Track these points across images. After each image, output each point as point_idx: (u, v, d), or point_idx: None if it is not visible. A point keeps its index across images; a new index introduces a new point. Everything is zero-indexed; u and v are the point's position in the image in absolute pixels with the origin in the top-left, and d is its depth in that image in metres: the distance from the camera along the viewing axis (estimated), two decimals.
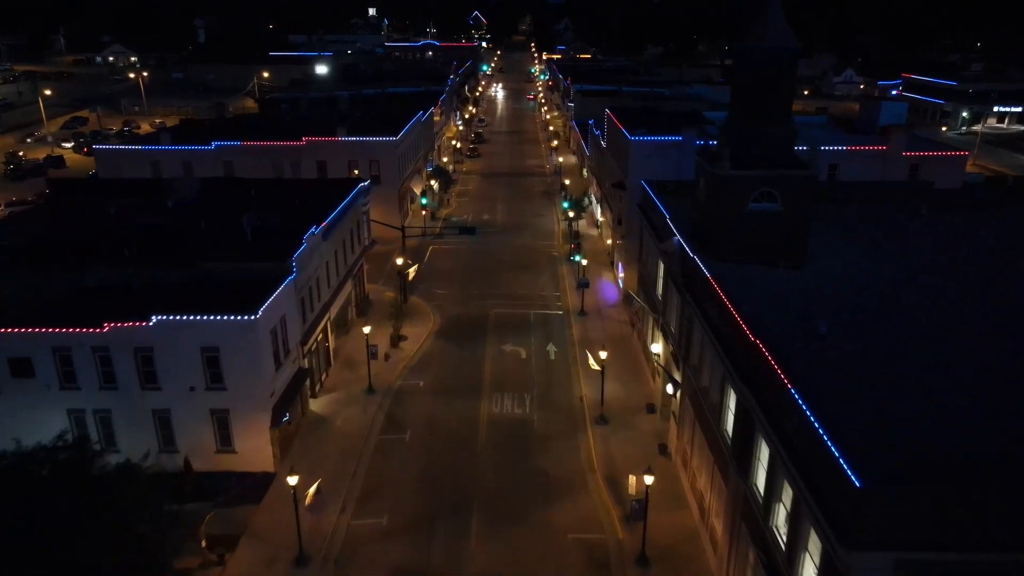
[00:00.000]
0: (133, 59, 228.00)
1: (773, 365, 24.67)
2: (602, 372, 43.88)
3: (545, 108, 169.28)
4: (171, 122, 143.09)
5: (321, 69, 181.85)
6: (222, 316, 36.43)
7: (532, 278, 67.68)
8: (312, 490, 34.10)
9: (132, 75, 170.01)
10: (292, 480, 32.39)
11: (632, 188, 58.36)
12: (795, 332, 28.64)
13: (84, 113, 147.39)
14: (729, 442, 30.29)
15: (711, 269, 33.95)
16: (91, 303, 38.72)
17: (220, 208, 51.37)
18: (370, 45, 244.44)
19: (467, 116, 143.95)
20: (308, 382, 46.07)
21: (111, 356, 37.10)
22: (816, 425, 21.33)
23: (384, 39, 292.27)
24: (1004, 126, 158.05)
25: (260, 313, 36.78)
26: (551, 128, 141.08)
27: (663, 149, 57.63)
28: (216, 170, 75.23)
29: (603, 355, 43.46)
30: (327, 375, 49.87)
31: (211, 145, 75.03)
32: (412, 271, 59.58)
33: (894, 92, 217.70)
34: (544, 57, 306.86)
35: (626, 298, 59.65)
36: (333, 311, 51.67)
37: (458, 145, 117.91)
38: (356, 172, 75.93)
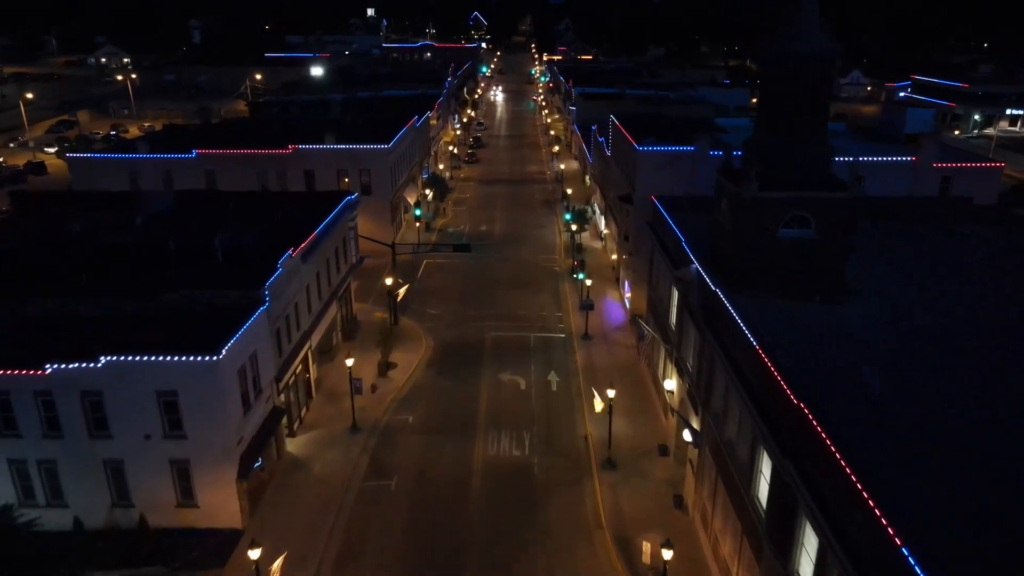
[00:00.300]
0: (126, 60, 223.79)
1: (828, 444, 20.30)
2: (609, 411, 39.50)
3: (546, 111, 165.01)
4: (160, 125, 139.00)
5: (316, 71, 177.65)
6: (180, 356, 32.08)
7: (532, 296, 63.31)
8: (277, 565, 29.72)
9: (120, 77, 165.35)
10: (254, 554, 28.04)
11: (640, 202, 54.01)
12: (841, 387, 24.30)
13: (71, 116, 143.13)
14: (763, 514, 25.93)
15: (737, 307, 29.59)
16: (34, 339, 34.36)
17: (194, 225, 47.05)
18: (368, 46, 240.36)
19: (465, 120, 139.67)
20: (286, 420, 41.77)
21: (55, 400, 32.77)
22: (892, 532, 16.97)
23: (383, 40, 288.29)
24: (1018, 129, 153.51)
25: (224, 353, 32.43)
26: (552, 132, 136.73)
27: (674, 160, 53.25)
28: (197, 180, 70.95)
29: (611, 394, 39.08)
30: (307, 409, 45.50)
31: (192, 153, 70.69)
32: (402, 292, 55.19)
33: (902, 94, 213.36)
34: (544, 58, 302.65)
35: (633, 322, 55.27)
36: (315, 338, 47.33)
37: (455, 151, 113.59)
38: (347, 181, 71.67)
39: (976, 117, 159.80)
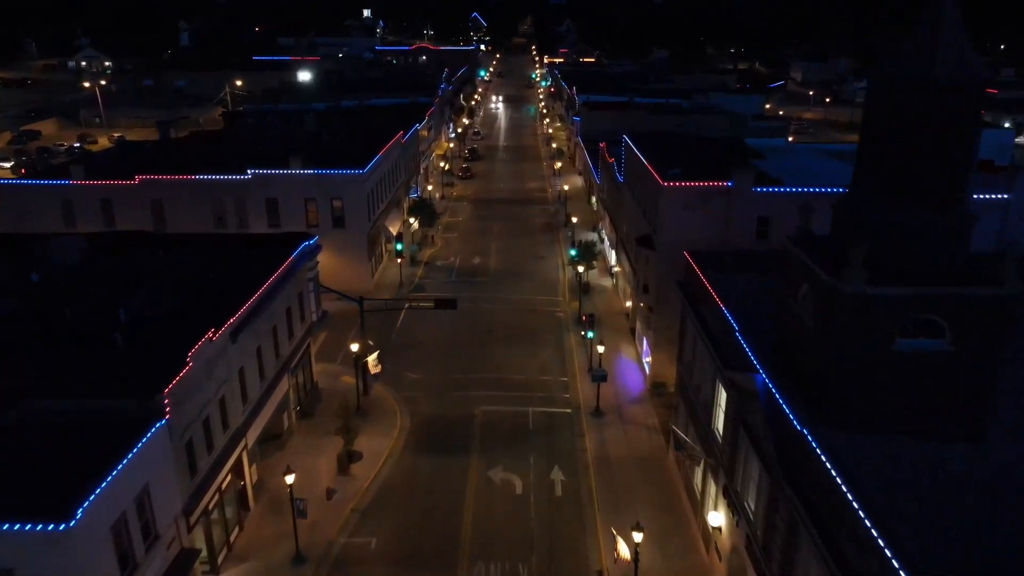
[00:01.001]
0: (107, 64, 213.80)
1: None
2: (635, 560, 29.23)
3: (547, 120, 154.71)
4: (133, 135, 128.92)
5: (304, 76, 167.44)
6: (14, 524, 21.89)
7: (532, 353, 53.06)
8: None
9: (87, 84, 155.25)
10: None
11: (665, 249, 43.85)
12: None
13: (37, 126, 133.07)
14: None
15: (839, 462, 19.40)
16: None
17: (103, 284, 36.95)
18: (361, 49, 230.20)
19: (460, 130, 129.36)
20: (205, 553, 31.62)
21: None
22: None
23: (379, 42, 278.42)
24: None
25: (80, 516, 22.24)
26: (554, 145, 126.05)
27: (707, 198, 43.04)
28: (141, 212, 60.81)
29: (638, 537, 28.79)
30: (240, 529, 35.28)
31: (134, 179, 60.52)
32: (373, 361, 44.92)
33: None
34: (545, 60, 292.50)
35: (670, 436, 45.08)
36: (254, 433, 37.15)
37: (446, 167, 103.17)
38: (315, 211, 61.49)
39: (1007, 125, 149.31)
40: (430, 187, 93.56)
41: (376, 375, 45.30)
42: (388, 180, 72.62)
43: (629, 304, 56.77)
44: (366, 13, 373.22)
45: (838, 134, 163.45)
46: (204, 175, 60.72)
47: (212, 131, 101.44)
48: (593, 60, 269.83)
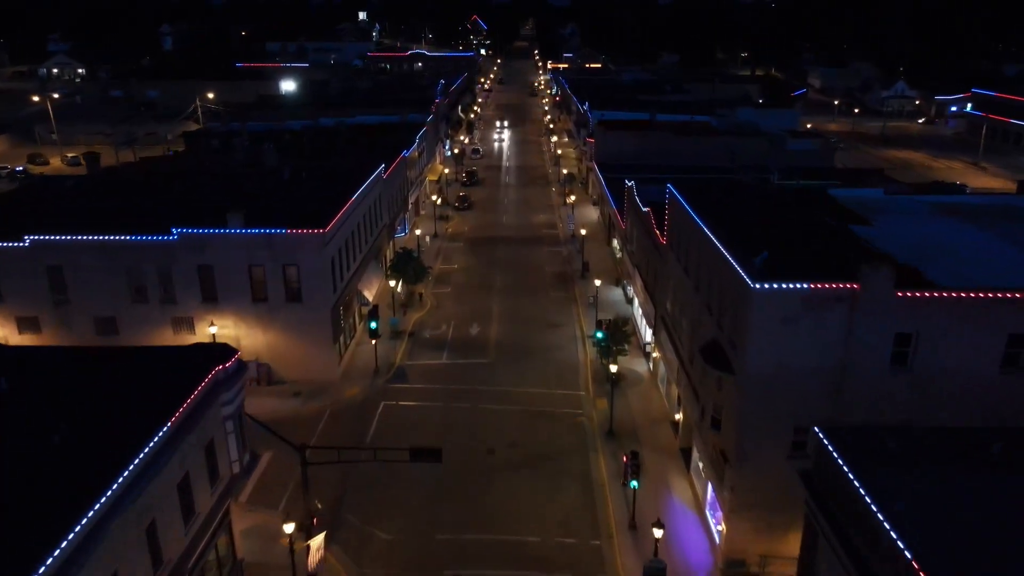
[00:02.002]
0: (80, 71, 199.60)
1: None
2: None
3: (554, 136, 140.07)
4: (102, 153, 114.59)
5: (287, 86, 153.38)
6: None
7: (549, 494, 38.50)
8: None
9: (36, 97, 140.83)
10: None
11: (752, 376, 29.40)
12: None
13: None
14: None
15: None
16: None
17: None
18: (354, 54, 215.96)
19: (457, 151, 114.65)
20: None
21: None
22: None
23: (375, 46, 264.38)
24: None
25: None
26: (564, 170, 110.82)
27: (820, 307, 28.54)
28: (35, 283, 46.51)
29: None
30: None
31: (24, 241, 46.14)
32: (317, 545, 30.26)
33: (954, 108, 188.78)
34: (549, 66, 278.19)
35: None
36: None
37: (439, 201, 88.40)
38: (263, 282, 47.10)
39: None
40: (418, 231, 78.89)
41: (318, 568, 30.77)
42: (363, 231, 58.20)
43: (679, 418, 42.27)
44: (362, 16, 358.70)
45: (870, 148, 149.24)
46: (116, 235, 46.34)
47: (152, 162, 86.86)
48: (599, 66, 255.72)
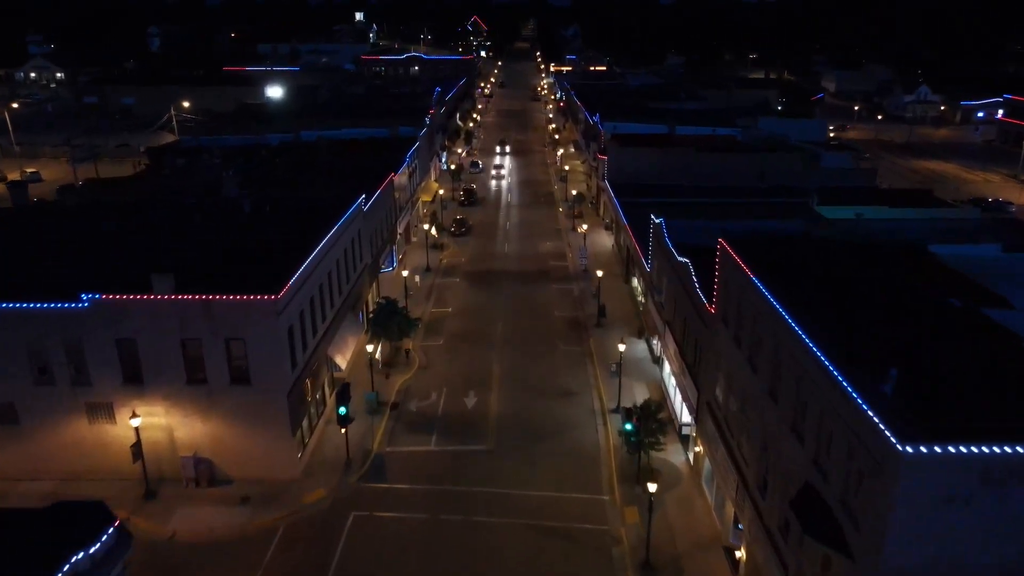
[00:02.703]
0: (59, 75, 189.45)
1: None
2: None
3: (561, 149, 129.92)
4: (50, 173, 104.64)
5: (273, 92, 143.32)
6: None
7: None
8: None
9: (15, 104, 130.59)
10: None
11: (894, 574, 19.29)
12: None
13: None
14: None
15: None
16: None
17: None
18: (349, 57, 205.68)
19: (454, 166, 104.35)
20: None
21: None
22: None
23: (375, 48, 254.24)
24: None
25: None
26: (573, 191, 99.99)
27: (1006, 479, 18.40)
28: None
29: None
30: None
31: None
32: None
33: (981, 115, 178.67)
34: (552, 68, 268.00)
35: None
36: None
37: (432, 230, 77.72)
38: (201, 360, 36.95)
39: None
40: (405, 272, 68.54)
41: None
42: (336, 280, 48.06)
43: (739, 552, 32.06)
44: (359, 16, 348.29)
45: (896, 157, 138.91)
46: (11, 303, 36.23)
47: (124, 179, 76.75)
48: (604, 68, 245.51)
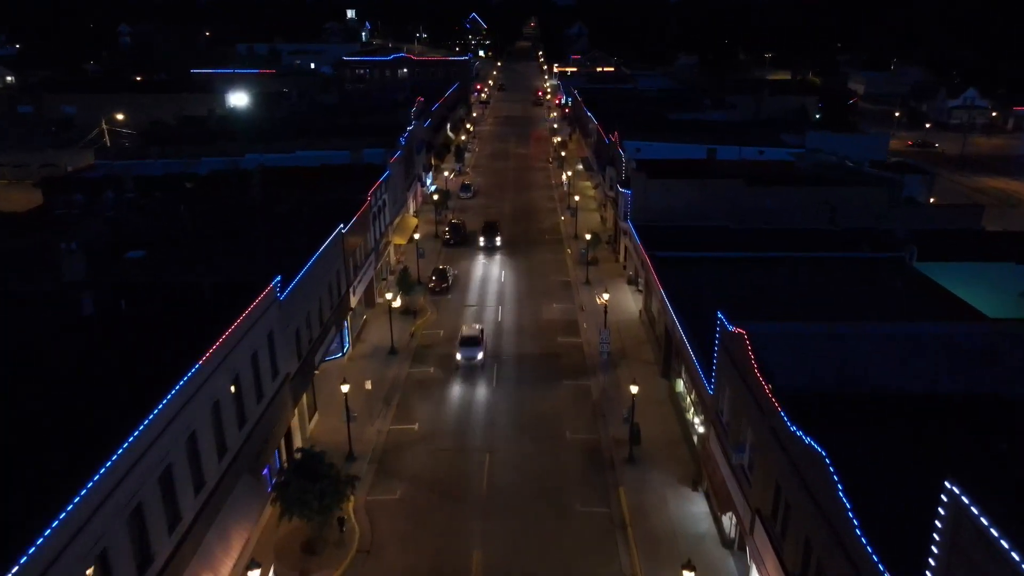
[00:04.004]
0: (9, 79, 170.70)
1: None
2: None
3: (568, 171, 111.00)
4: None
5: (237, 100, 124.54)
6: None
7: None
8: None
9: None
10: None
11: None
12: None
13: None
14: None
15: None
16: None
17: None
18: (333, 58, 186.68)
19: (436, 196, 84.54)
20: None
21: None
22: None
23: (359, 48, 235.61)
24: None
25: None
26: (588, 235, 78.88)
27: None
28: None
29: None
30: None
31: None
32: None
33: None
34: (555, 69, 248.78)
35: None
36: None
37: (397, 302, 57.91)
38: None
39: None
40: (346, 387, 49.37)
41: None
42: (208, 438, 29.11)
43: None
44: (350, 14, 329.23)
45: (949, 172, 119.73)
46: None
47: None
48: (612, 69, 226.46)
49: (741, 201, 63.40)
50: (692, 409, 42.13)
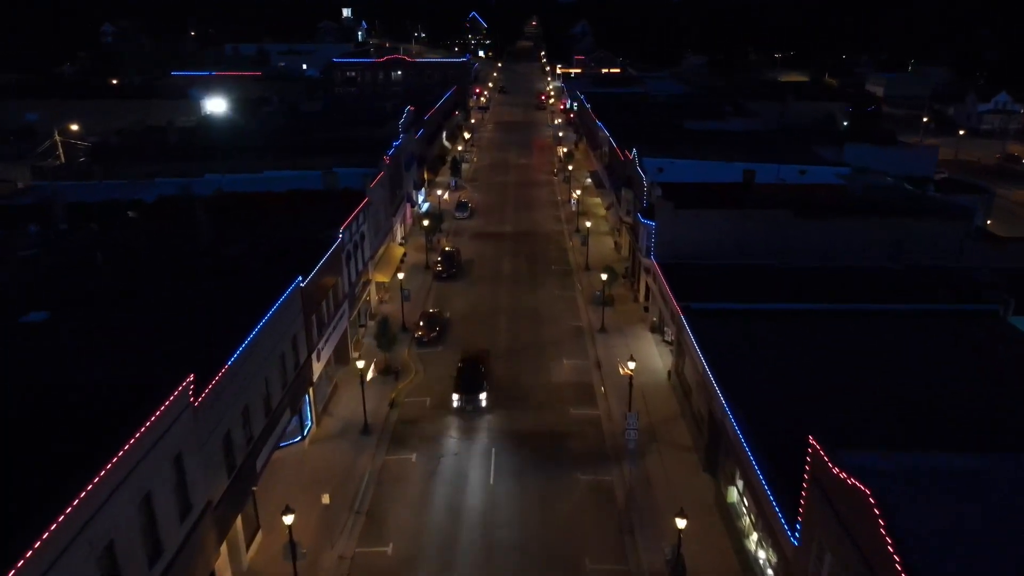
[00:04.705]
0: None
1: None
2: None
3: (574, 184, 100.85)
4: None
5: (214, 106, 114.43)
6: None
7: None
8: None
9: None
10: None
11: None
12: None
13: None
14: None
15: None
16: None
17: None
18: (326, 59, 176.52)
19: (426, 222, 73.75)
20: None
21: None
22: None
23: (354, 48, 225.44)
24: None
25: None
26: (603, 273, 67.89)
27: None
28: None
29: None
30: None
31: None
32: None
33: None
34: (559, 70, 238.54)
35: None
36: None
37: (370, 374, 47.47)
38: None
39: None
40: (289, 521, 39.09)
41: None
42: None
43: None
44: (346, 13, 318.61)
45: (994, 186, 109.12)
46: None
47: None
48: (619, 71, 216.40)
49: (787, 234, 53.32)
50: (752, 533, 31.95)
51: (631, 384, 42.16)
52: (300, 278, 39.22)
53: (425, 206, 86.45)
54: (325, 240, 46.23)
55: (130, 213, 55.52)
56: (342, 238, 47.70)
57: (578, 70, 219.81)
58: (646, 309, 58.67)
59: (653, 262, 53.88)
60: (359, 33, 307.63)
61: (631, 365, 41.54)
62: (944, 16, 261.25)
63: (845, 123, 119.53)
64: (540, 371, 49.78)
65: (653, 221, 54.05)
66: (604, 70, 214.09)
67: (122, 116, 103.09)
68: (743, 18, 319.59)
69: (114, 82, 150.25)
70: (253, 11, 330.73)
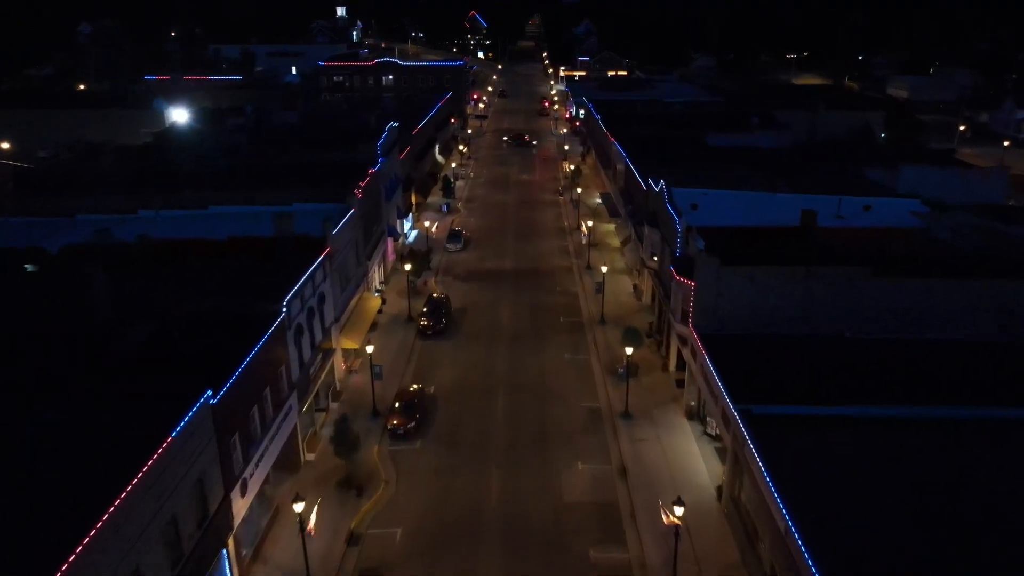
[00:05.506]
0: None
1: None
2: None
3: (585, 213, 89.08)
4: None
5: (180, 117, 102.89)
6: None
7: None
8: None
9: None
10: None
11: None
12: None
13: None
14: None
15: None
16: None
17: None
18: (315, 60, 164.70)
19: (408, 267, 61.26)
20: None
21: None
22: None
23: (346, 50, 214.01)
24: None
25: None
26: (629, 349, 54.46)
27: None
28: None
29: None
30: None
31: None
32: None
33: None
34: (562, 72, 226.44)
35: None
36: None
37: (311, 519, 35.68)
38: None
39: None
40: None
41: None
42: None
43: None
44: (340, 12, 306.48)
45: None
46: None
47: None
48: (626, 73, 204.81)
49: (862, 296, 41.68)
50: None
51: (677, 536, 30.21)
52: (210, 393, 27.56)
53: (413, 235, 74.84)
54: (261, 315, 34.60)
55: (27, 267, 43.94)
56: (285, 313, 36.01)
57: (582, 72, 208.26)
58: (679, 384, 46.97)
59: (692, 332, 42.19)
60: (354, 33, 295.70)
61: (678, 511, 29.61)
62: (966, 16, 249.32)
63: (883, 135, 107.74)
64: (547, 484, 37.99)
65: (692, 281, 42.33)
66: (610, 72, 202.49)
67: (73, 130, 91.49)
68: (756, 16, 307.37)
69: (81, 87, 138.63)
70: (243, 10, 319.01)
